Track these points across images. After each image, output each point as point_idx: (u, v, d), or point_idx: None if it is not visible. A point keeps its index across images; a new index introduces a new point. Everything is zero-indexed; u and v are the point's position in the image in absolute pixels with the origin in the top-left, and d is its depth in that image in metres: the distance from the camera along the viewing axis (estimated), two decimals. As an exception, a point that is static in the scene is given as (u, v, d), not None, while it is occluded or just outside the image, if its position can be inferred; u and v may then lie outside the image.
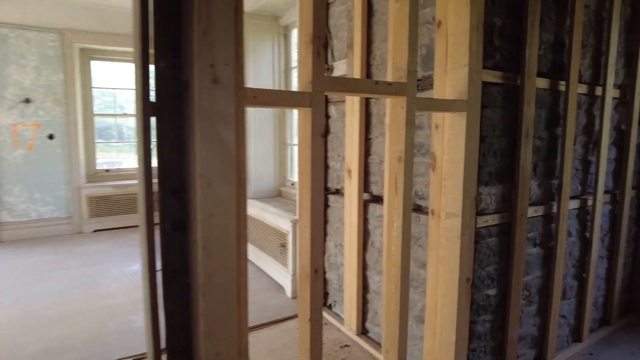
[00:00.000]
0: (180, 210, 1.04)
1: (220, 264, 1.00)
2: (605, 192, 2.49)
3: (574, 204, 2.28)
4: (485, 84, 1.76)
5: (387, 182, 1.55)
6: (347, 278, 2.58)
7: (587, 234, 2.41)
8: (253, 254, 3.74)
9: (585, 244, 2.41)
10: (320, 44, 1.22)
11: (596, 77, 2.29)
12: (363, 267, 2.50)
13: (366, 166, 2.43)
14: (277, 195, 4.21)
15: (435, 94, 1.79)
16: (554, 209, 2.15)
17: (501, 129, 1.85)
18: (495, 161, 1.86)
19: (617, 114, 2.50)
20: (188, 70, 0.99)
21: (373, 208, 2.38)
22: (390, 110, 1.48)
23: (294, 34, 4.14)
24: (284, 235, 3.16)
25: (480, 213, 1.85)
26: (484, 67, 1.72)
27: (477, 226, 1.83)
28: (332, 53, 2.70)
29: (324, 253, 2.86)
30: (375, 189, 2.38)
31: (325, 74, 1.34)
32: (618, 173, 2.58)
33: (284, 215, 3.21)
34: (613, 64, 2.27)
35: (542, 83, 1.97)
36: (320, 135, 1.25)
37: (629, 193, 2.60)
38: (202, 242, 0.95)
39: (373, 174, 2.39)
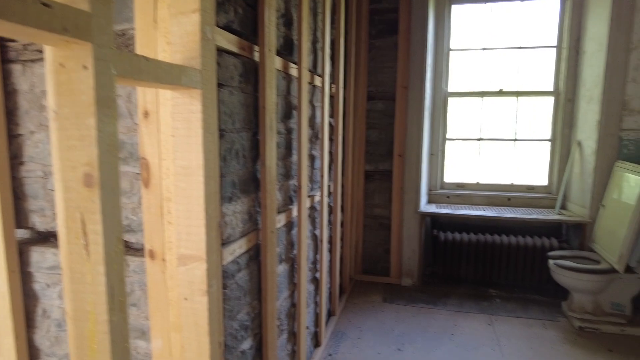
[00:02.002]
0: None
1: None
2: (325, 186, 2.43)
3: (307, 203, 2.06)
4: (220, 52, 1.17)
5: (64, 226, 0.73)
6: (1, 379, 1.46)
7: (317, 232, 2.26)
8: None
9: (317, 243, 2.26)
10: None
11: (315, 64, 2.11)
12: (30, 355, 1.46)
13: (17, 183, 1.39)
14: None
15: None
16: (294, 214, 1.84)
17: (242, 120, 1.32)
18: (238, 166, 1.31)
19: (329, 106, 2.46)
20: None
21: (40, 254, 1.38)
22: (57, 75, 0.66)
23: None
24: None
25: (225, 242, 1.27)
26: (216, 25, 1.13)
27: (224, 262, 1.25)
28: None
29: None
30: (39, 222, 1.39)
31: None
32: (330, 166, 2.58)
33: None
34: (328, 53, 2.15)
35: (278, 63, 1.56)
36: None
37: (340, 185, 2.66)
38: None
39: (34, 197, 1.38)
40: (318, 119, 2.19)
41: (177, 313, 1.15)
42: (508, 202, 3.36)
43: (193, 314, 1.09)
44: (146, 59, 0.78)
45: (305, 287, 1.93)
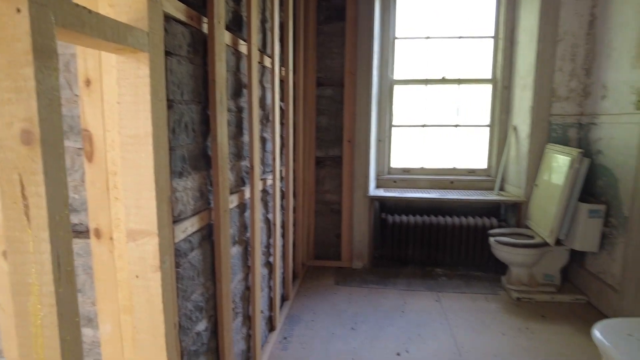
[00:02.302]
0: None
1: None
2: (277, 169, 2.41)
3: (259, 186, 2.03)
4: (167, 19, 1.12)
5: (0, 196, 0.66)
6: None
7: (270, 216, 2.24)
8: None
9: (270, 227, 2.24)
10: None
11: (264, 44, 2.07)
12: (-44, 354, 1.32)
13: None
14: None
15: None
16: (247, 195, 1.80)
17: (190, 92, 1.27)
18: (187, 139, 1.26)
19: (280, 90, 2.43)
20: None
21: (-36, 241, 1.25)
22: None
23: None
24: None
25: (177, 220, 1.22)
26: (162, -11, 1.07)
27: (176, 240, 1.20)
28: None
29: None
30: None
31: None
32: (281, 150, 2.56)
33: None
34: (278, 34, 2.12)
35: (227, 38, 1.52)
36: None
37: (292, 170, 2.65)
38: None
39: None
40: (269, 101, 2.16)
41: (127, 294, 1.10)
42: (451, 185, 3.53)
43: (145, 292, 1.04)
44: (89, 11, 0.72)
45: (260, 270, 1.91)
